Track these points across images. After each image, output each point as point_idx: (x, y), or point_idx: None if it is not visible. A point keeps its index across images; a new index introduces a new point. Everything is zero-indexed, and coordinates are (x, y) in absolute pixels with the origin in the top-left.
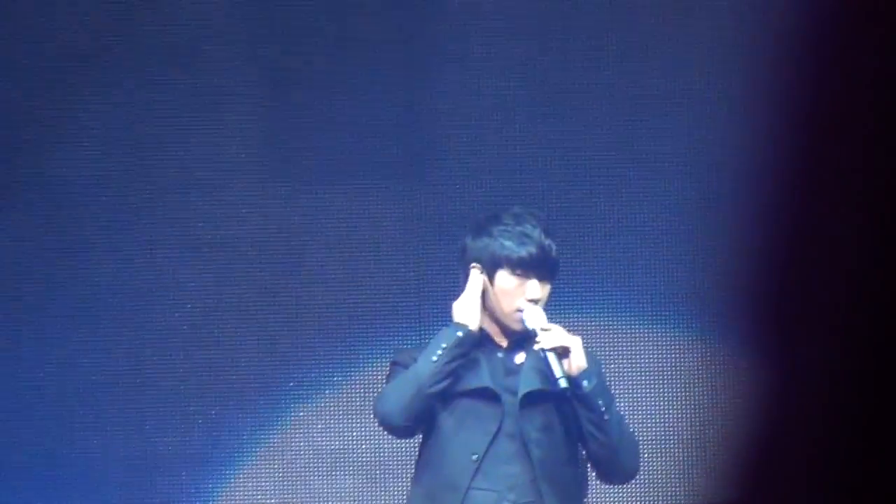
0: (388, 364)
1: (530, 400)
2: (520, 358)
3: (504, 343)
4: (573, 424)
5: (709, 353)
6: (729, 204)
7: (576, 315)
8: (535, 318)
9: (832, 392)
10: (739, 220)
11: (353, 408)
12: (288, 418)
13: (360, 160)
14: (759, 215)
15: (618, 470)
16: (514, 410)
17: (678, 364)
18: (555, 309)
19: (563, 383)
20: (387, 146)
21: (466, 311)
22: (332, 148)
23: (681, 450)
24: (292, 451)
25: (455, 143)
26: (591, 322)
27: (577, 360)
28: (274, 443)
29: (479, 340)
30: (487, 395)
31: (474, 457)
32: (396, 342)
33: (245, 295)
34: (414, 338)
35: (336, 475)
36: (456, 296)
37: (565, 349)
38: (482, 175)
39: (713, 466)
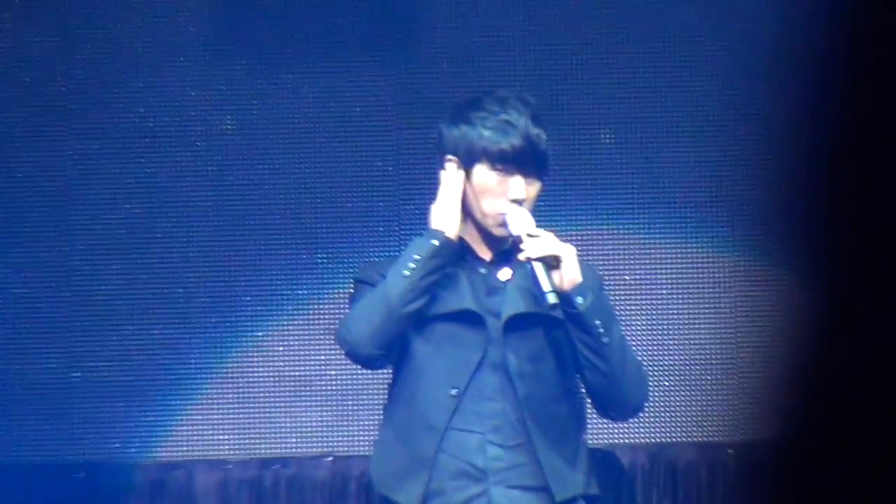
0: (353, 282)
1: (516, 324)
2: (504, 274)
3: (487, 256)
4: (567, 352)
5: (735, 265)
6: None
7: (572, 223)
8: (519, 222)
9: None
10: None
11: (319, 330)
12: (244, 340)
13: (337, 35)
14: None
15: (621, 403)
16: (499, 336)
17: (697, 278)
18: (546, 215)
19: (551, 299)
20: (366, 18)
21: (443, 215)
22: (302, 23)
23: (698, 379)
24: (249, 377)
25: (446, 12)
26: (589, 231)
27: (570, 272)
28: (228, 368)
29: (459, 253)
30: (469, 319)
31: (453, 391)
32: (372, 253)
33: (195, 191)
34: (393, 246)
35: (298, 407)
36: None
37: (555, 258)
38: (475, 50)
39: (741, 398)
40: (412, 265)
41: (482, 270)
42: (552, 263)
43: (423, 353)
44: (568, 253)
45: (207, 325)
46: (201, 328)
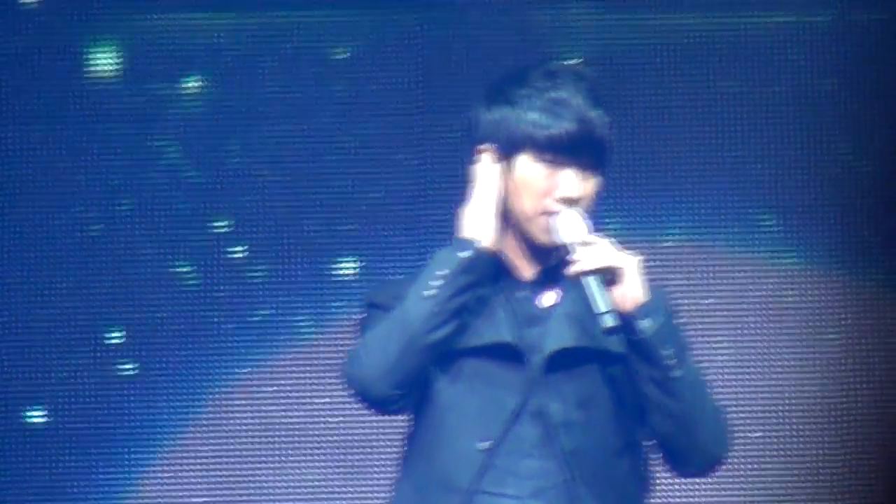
0: (363, 307)
1: (563, 361)
2: (549, 299)
3: (529, 275)
4: (627, 396)
5: (839, 289)
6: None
7: (636, 231)
8: (570, 227)
9: None
10: None
11: (320, 366)
12: (226, 379)
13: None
14: None
15: (695, 453)
16: (541, 377)
17: (801, 302)
18: (605, 221)
19: (608, 322)
20: None
21: (475, 220)
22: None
23: (797, 432)
24: (230, 424)
25: None
26: (658, 241)
27: (633, 289)
28: (204, 413)
29: (494, 271)
30: (505, 354)
31: (484, 445)
32: (388, 268)
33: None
34: (414, 259)
35: (291, 462)
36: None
37: (614, 272)
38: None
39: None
40: (437, 283)
41: (521, 294)
42: (610, 278)
43: (448, 396)
44: (630, 265)
45: (179, 358)
46: (172, 362)
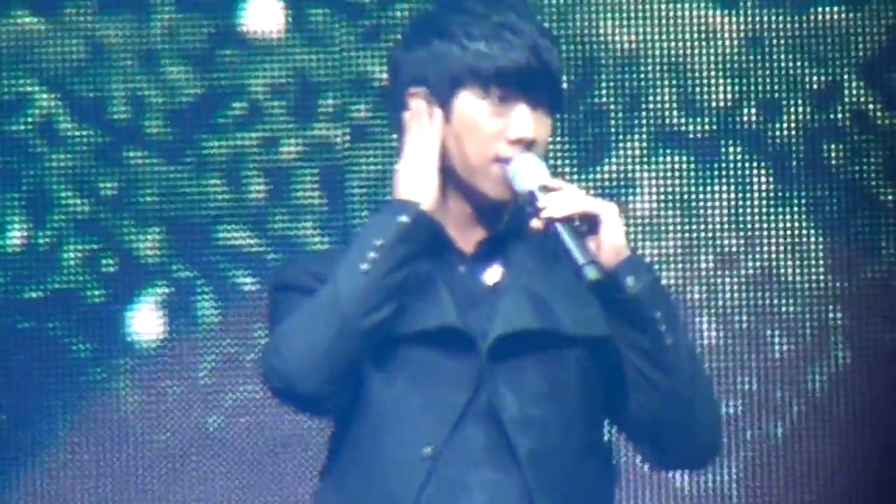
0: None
1: (515, 348)
2: (494, 273)
3: (469, 245)
4: (591, 384)
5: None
6: None
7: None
8: (529, 172)
9: None
10: None
11: (224, 357)
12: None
13: None
14: None
15: (692, 438)
16: (486, 367)
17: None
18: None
19: (591, 274)
20: None
21: (413, 177)
22: None
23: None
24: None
25: None
26: (635, 206)
27: (613, 240)
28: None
29: (433, 240)
30: (451, 342)
31: (427, 450)
32: (300, 243)
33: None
34: (332, 235)
35: (195, 472)
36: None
37: (592, 218)
38: None
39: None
40: (373, 255)
41: (463, 268)
42: (586, 227)
43: (385, 393)
44: (609, 210)
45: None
46: (61, 361)
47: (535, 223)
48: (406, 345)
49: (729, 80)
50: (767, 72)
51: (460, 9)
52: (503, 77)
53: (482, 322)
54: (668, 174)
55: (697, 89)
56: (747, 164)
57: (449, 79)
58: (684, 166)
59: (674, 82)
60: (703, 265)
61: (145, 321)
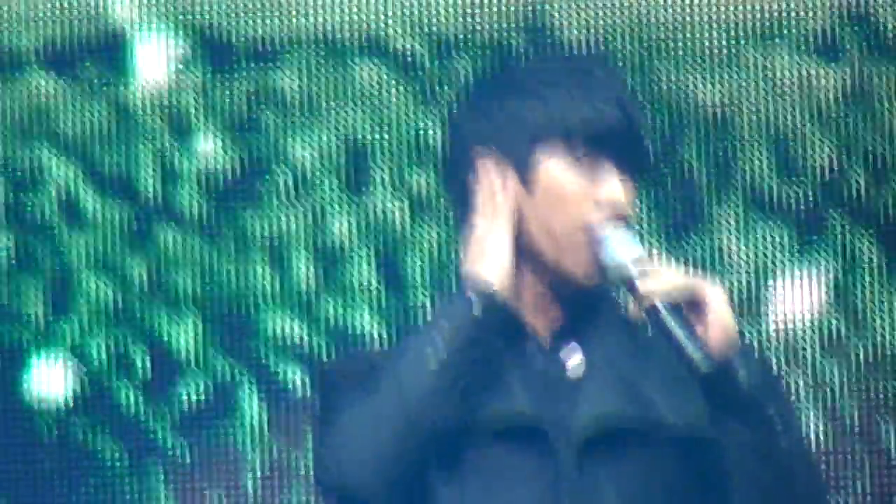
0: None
1: (605, 445)
2: (576, 360)
3: (544, 329)
4: (692, 481)
5: None
6: None
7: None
8: (624, 247)
9: None
10: None
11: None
12: None
13: None
14: None
15: None
16: (573, 464)
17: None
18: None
19: (706, 366)
20: None
21: (486, 258)
22: None
23: None
24: None
25: None
26: (729, 284)
27: (722, 324)
28: None
29: (509, 326)
30: (526, 439)
31: None
32: (354, 331)
33: None
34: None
35: None
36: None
37: (698, 302)
38: None
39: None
40: (440, 341)
41: (540, 355)
42: (693, 309)
43: (452, 498)
44: (717, 293)
45: None
46: None
47: (634, 307)
48: (476, 444)
49: (831, 141)
50: (875, 131)
51: (541, 68)
52: (590, 136)
53: (563, 416)
54: (766, 247)
55: (796, 151)
56: (853, 236)
57: (528, 138)
58: (784, 239)
59: (770, 143)
60: (808, 350)
61: (182, 422)
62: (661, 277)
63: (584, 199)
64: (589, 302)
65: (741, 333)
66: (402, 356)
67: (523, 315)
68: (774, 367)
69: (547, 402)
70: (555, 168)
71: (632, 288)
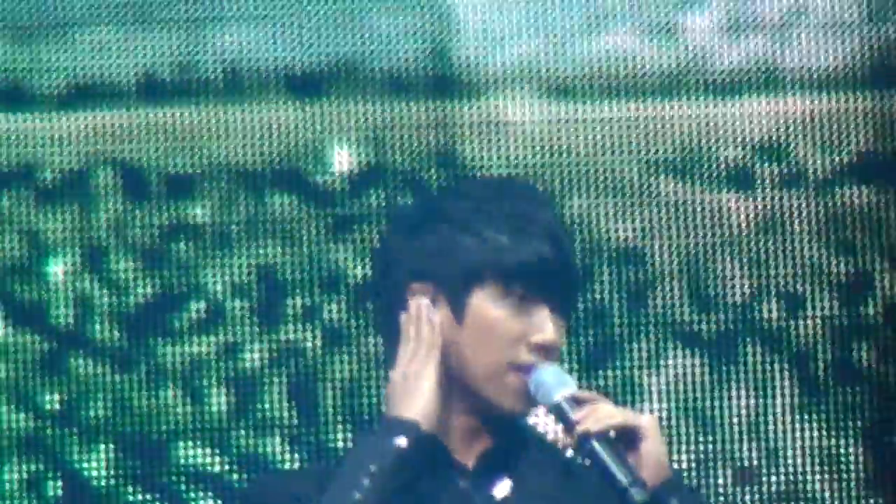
0: None
1: None
2: (502, 489)
3: (471, 458)
4: None
5: None
6: None
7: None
8: (556, 382)
9: None
10: None
11: None
12: None
13: None
14: None
15: None
16: None
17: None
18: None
19: (638, 496)
20: None
21: (413, 393)
22: None
23: None
24: None
25: None
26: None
27: (656, 454)
28: None
29: (430, 456)
30: None
31: None
32: (268, 462)
33: None
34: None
35: None
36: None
37: (630, 432)
38: None
39: None
40: (367, 483)
41: (462, 485)
42: (625, 443)
43: None
44: (651, 424)
45: None
46: None
47: (566, 439)
48: None
49: (745, 271)
50: (788, 260)
51: (468, 194)
52: (526, 274)
53: None
54: (680, 379)
55: (709, 282)
56: (767, 367)
57: (464, 274)
58: (697, 370)
59: (683, 274)
60: (721, 482)
61: None
62: (595, 411)
63: (515, 337)
64: (518, 433)
65: (672, 465)
66: (328, 495)
67: (451, 445)
68: (704, 501)
69: None
70: (489, 305)
71: (565, 422)
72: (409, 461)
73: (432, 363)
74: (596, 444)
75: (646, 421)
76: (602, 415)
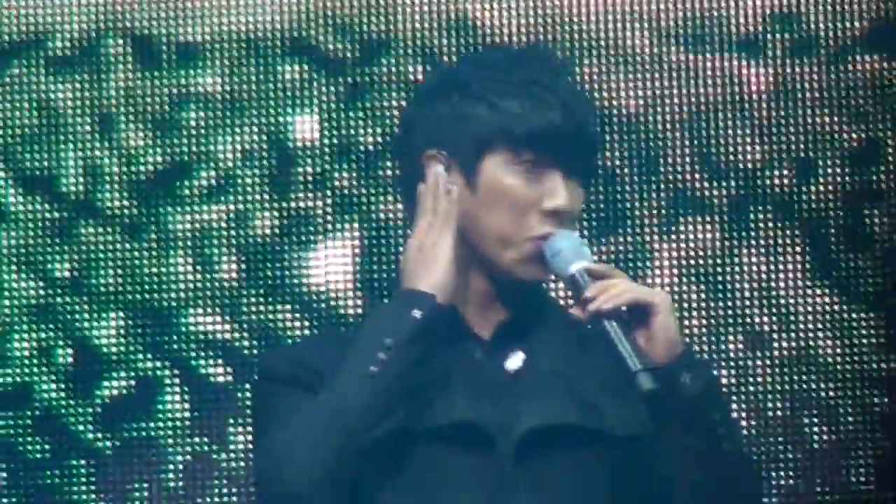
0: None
1: (542, 445)
2: (516, 360)
3: (487, 329)
4: (628, 482)
5: None
6: None
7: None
8: (570, 251)
9: None
10: None
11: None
12: None
13: None
14: None
15: None
16: (510, 466)
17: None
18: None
19: (646, 384)
20: None
21: (428, 263)
22: None
23: None
24: None
25: None
26: (653, 282)
27: (666, 334)
28: None
29: (450, 327)
30: (465, 439)
31: None
32: (277, 329)
33: None
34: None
35: None
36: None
37: (643, 309)
38: None
39: None
40: (382, 356)
41: (481, 355)
42: (636, 320)
43: (389, 499)
44: (663, 300)
45: None
46: None
47: (579, 313)
48: (414, 444)
49: (756, 139)
50: (799, 128)
51: (484, 63)
52: (537, 139)
53: (503, 416)
54: (690, 245)
55: (721, 149)
56: (778, 233)
57: (475, 141)
58: (708, 236)
59: (694, 141)
60: (731, 346)
61: (104, 419)
62: (608, 287)
63: (528, 203)
64: (532, 302)
65: (685, 339)
66: (342, 367)
67: (466, 315)
68: (715, 376)
69: (488, 403)
70: (501, 172)
71: (578, 295)
72: (425, 334)
73: (448, 234)
74: (607, 325)
75: (658, 298)
76: (615, 292)
